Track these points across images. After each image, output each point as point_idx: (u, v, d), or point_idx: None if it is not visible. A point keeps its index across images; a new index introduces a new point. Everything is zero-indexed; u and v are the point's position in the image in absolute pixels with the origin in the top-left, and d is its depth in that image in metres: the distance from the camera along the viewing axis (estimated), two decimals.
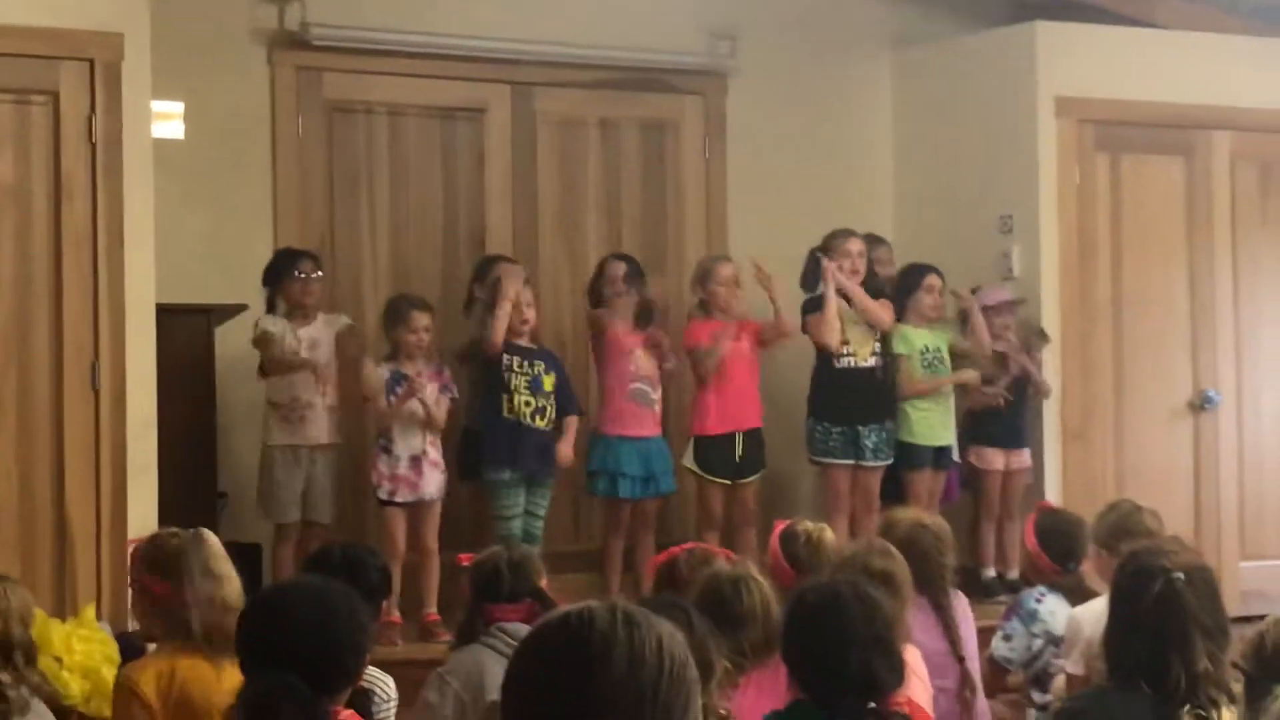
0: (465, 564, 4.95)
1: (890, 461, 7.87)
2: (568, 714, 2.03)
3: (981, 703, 5.49)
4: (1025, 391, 8.23)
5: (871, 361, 7.85)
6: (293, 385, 7.20)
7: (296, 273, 7.27)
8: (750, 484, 7.79)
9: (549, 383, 7.38)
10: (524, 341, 7.39)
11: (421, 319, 7.25)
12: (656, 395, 7.68)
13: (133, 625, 5.55)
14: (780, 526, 5.42)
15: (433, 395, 7.23)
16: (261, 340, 7.21)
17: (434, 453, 7.24)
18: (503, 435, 7.30)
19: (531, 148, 8.40)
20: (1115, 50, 8.65)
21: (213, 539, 4.38)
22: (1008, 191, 8.57)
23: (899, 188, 9.05)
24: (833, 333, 7.76)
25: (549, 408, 7.37)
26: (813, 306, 7.87)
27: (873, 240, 8.21)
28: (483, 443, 7.36)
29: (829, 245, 7.87)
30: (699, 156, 8.77)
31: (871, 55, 9.09)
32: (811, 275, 7.89)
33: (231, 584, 4.28)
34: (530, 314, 7.36)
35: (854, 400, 7.81)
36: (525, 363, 7.35)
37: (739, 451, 7.72)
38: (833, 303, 7.76)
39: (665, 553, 5.22)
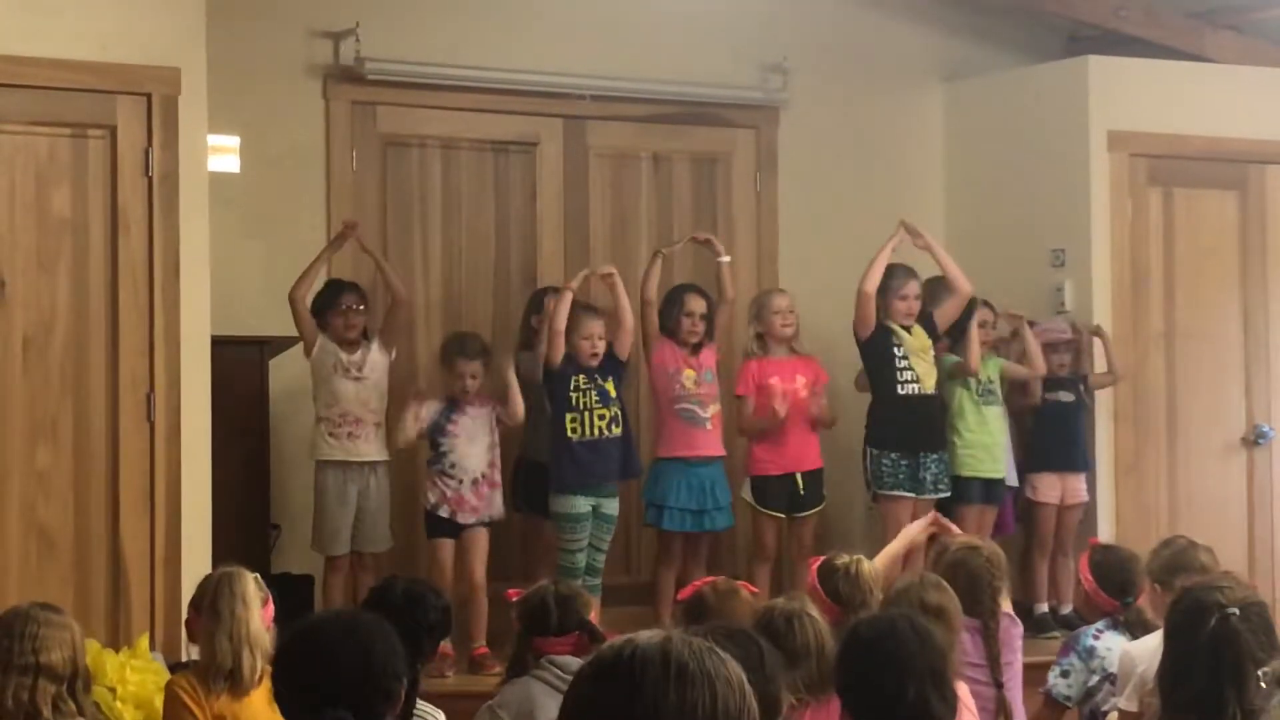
0: (513, 599, 4.97)
1: (947, 495, 7.81)
2: None
3: None
4: (1082, 414, 8.20)
5: (934, 391, 7.82)
6: (341, 400, 7.22)
7: (340, 305, 7.31)
8: (809, 519, 7.75)
9: (612, 388, 7.36)
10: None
11: (468, 367, 7.26)
12: (708, 413, 7.62)
13: (186, 656, 5.57)
14: (816, 562, 5.41)
15: (485, 420, 7.25)
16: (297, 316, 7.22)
17: (494, 474, 7.26)
18: (573, 460, 7.27)
19: (583, 181, 8.43)
20: (1167, 84, 8.64)
21: None
22: (1060, 225, 8.55)
23: (950, 221, 9.02)
24: (870, 282, 7.70)
25: (619, 413, 7.37)
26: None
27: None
28: (549, 471, 7.33)
29: (885, 284, 7.79)
30: (750, 190, 8.77)
31: (923, 88, 9.09)
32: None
33: None
34: (601, 346, 7.36)
35: (916, 427, 7.76)
36: (589, 379, 7.32)
37: (801, 489, 7.72)
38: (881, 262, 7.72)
39: (689, 586, 5.24)
